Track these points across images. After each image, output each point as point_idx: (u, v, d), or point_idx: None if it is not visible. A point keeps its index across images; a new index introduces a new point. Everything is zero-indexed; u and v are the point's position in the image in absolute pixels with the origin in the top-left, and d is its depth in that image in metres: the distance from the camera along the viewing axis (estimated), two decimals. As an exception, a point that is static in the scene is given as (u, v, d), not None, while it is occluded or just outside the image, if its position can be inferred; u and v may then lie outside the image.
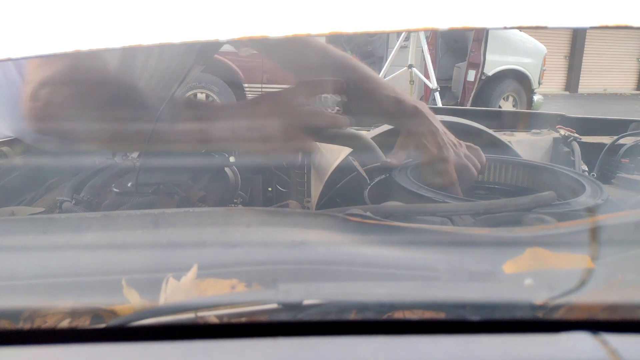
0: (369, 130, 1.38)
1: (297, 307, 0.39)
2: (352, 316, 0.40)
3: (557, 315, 0.40)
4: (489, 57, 5.34)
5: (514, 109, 5.32)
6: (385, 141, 1.24)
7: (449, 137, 0.92)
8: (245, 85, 4.78)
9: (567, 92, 12.26)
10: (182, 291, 0.43)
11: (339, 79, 0.82)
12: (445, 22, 0.44)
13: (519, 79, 5.75)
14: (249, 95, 4.81)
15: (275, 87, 4.88)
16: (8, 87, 0.96)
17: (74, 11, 0.48)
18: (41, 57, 0.56)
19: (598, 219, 0.65)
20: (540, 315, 0.40)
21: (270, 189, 1.52)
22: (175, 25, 0.46)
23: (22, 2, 0.49)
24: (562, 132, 1.48)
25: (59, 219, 0.63)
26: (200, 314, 0.40)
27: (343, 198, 1.17)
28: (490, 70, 5.43)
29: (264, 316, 0.40)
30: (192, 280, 0.43)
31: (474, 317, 0.39)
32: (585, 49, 12.27)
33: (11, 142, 1.04)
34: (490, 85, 5.56)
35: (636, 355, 0.35)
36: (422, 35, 4.37)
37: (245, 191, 1.37)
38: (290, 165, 1.36)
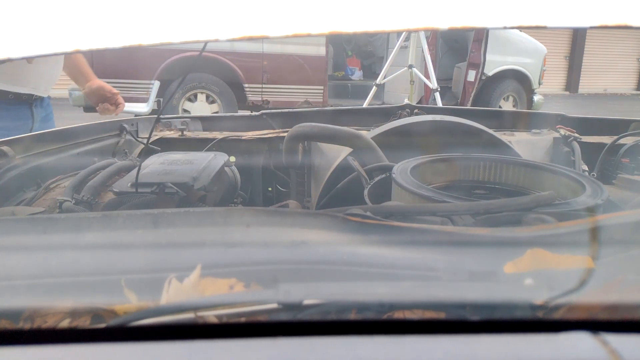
0: (369, 130, 1.38)
1: (297, 307, 0.39)
2: (352, 316, 0.40)
3: (557, 315, 0.40)
4: (489, 57, 5.33)
5: (514, 109, 5.32)
6: (385, 141, 1.24)
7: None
8: (246, 85, 4.76)
9: (567, 92, 12.24)
10: (185, 293, 0.43)
11: None
12: (445, 22, 0.44)
13: (519, 79, 5.74)
14: (249, 96, 4.79)
15: (275, 87, 4.87)
16: None
17: (74, 11, 0.48)
18: (41, 57, 0.56)
19: (598, 219, 0.65)
20: (540, 315, 0.40)
21: (270, 189, 1.52)
22: (175, 25, 0.46)
23: (23, 2, 0.49)
24: (562, 132, 1.48)
25: (59, 219, 0.64)
26: (200, 314, 0.40)
27: (343, 198, 1.17)
28: (490, 70, 5.42)
29: (263, 316, 0.40)
30: (196, 281, 0.43)
31: (474, 317, 0.39)
32: (585, 49, 12.25)
33: (11, 142, 1.04)
34: (490, 85, 5.55)
35: (636, 355, 0.35)
36: (422, 36, 4.35)
37: (246, 191, 1.37)
38: (290, 165, 1.36)
